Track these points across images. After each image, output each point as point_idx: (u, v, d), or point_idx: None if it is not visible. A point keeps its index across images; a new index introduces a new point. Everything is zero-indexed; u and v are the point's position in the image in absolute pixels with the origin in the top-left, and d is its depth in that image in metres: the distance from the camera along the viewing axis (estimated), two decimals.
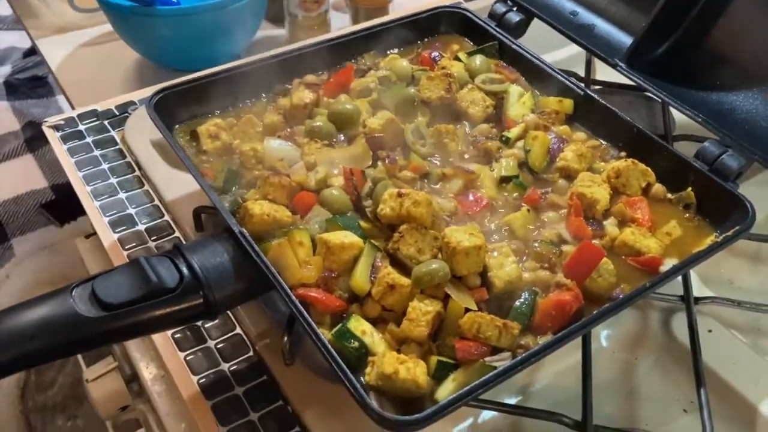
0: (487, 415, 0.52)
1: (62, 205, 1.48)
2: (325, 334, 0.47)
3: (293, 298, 0.46)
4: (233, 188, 0.57)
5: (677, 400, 0.54)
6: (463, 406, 0.44)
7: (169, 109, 0.62)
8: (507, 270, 0.50)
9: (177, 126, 0.63)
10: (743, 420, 0.52)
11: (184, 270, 0.48)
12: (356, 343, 0.47)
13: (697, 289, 0.59)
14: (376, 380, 0.45)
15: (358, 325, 0.48)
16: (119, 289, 0.46)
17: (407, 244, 0.51)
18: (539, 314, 0.49)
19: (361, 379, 0.46)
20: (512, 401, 0.52)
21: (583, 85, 0.66)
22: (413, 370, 0.44)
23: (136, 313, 0.46)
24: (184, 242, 0.60)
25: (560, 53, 0.83)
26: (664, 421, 0.51)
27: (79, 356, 0.83)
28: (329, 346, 0.43)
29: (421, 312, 0.47)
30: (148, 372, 0.61)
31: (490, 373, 0.43)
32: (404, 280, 0.49)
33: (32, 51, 1.95)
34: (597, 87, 0.77)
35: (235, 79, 0.64)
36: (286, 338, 0.52)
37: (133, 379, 0.74)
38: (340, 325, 0.47)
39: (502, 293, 0.50)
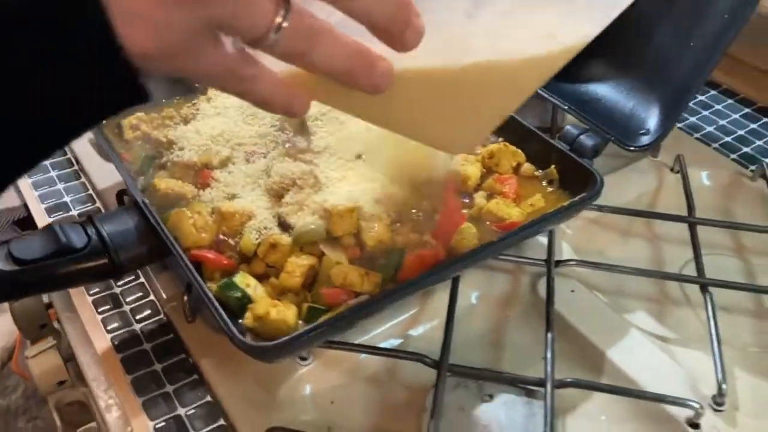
0: (368, 360, 0.58)
1: (32, 221, 1.56)
2: (212, 288, 0.54)
3: (181, 253, 0.53)
4: (149, 170, 0.64)
5: (539, 350, 0.61)
6: (324, 341, 0.51)
7: None
8: (378, 231, 0.57)
9: (104, 122, 0.70)
10: (592, 365, 0.58)
11: (93, 234, 0.55)
12: (239, 294, 0.53)
13: (568, 257, 0.66)
14: (252, 322, 0.51)
15: (244, 279, 0.54)
16: (32, 248, 0.53)
17: (293, 210, 0.58)
18: (404, 269, 0.56)
19: (240, 322, 0.52)
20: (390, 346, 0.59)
21: None
22: (284, 312, 0.51)
23: (46, 269, 0.53)
24: None
25: None
26: (522, 367, 0.57)
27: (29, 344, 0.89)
28: (206, 288, 0.50)
29: (297, 265, 0.54)
30: (78, 343, 0.68)
31: (344, 310, 0.50)
32: (284, 239, 0.56)
33: None
34: None
35: (160, 79, 0.72)
36: (186, 297, 0.59)
37: (71, 358, 0.80)
38: (225, 279, 0.54)
39: (373, 252, 0.57)
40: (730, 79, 0.94)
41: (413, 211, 0.61)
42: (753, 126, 0.87)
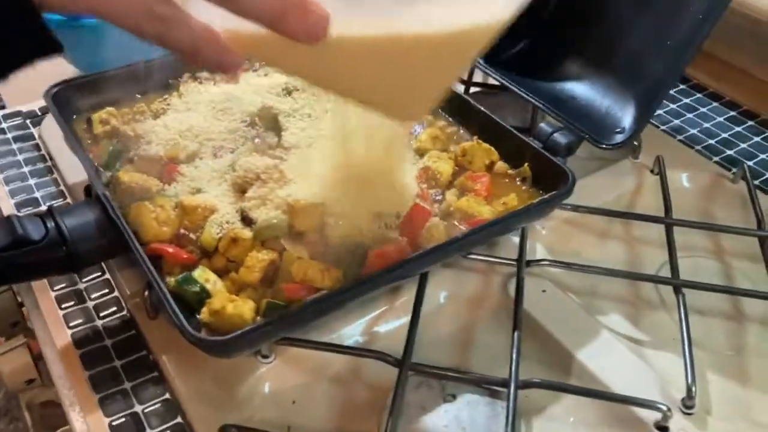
0: (332, 359, 0.56)
1: None
2: (171, 282, 0.53)
3: (137, 245, 0.52)
4: (116, 164, 0.63)
5: (508, 351, 0.59)
6: (281, 338, 0.50)
7: (71, 102, 0.69)
8: (342, 227, 0.56)
9: (75, 116, 0.69)
10: (561, 366, 0.57)
11: (51, 226, 0.54)
12: (197, 288, 0.52)
13: (541, 257, 0.65)
14: (209, 317, 0.50)
15: (203, 274, 0.53)
16: None
17: (256, 204, 0.57)
18: (368, 265, 0.54)
19: (198, 317, 0.51)
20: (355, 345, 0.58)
21: None
22: (241, 307, 0.50)
23: (1, 261, 0.52)
24: None
25: None
26: (490, 368, 0.55)
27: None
28: (159, 280, 0.49)
29: (257, 260, 0.53)
30: (45, 340, 0.67)
31: (300, 305, 0.49)
32: (246, 234, 0.55)
33: None
34: (477, 89, 0.84)
35: (131, 74, 0.71)
36: (147, 293, 0.58)
37: (42, 356, 0.79)
38: (184, 273, 0.53)
39: (337, 248, 0.56)
40: (715, 82, 0.93)
41: (380, 206, 0.60)
42: (738, 129, 0.86)
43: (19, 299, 0.82)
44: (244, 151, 0.63)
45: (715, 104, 0.90)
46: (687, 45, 0.59)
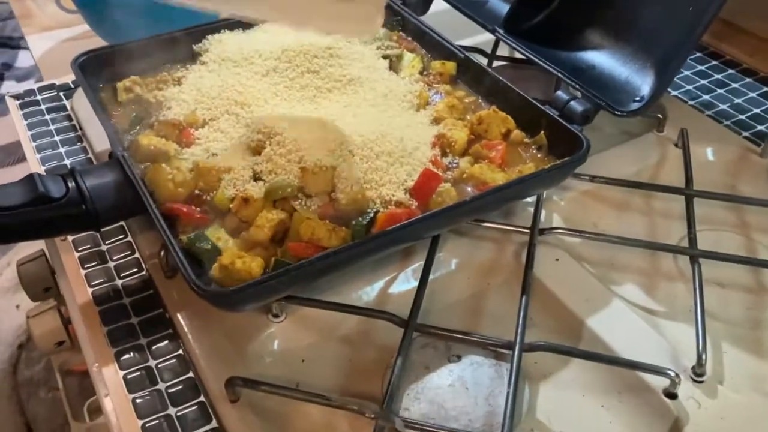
0: (341, 320, 0.57)
1: None
2: (183, 239, 0.54)
3: (151, 203, 0.54)
4: (136, 129, 0.65)
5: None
6: (286, 293, 0.51)
7: (98, 71, 0.71)
8: (353, 189, 0.56)
9: (102, 85, 0.71)
10: (571, 333, 0.57)
11: (72, 185, 0.56)
12: (209, 246, 0.53)
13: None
14: (218, 273, 0.51)
15: (216, 233, 0.55)
16: (10, 196, 0.54)
17: (269, 166, 0.58)
18: (377, 227, 0.55)
19: (210, 274, 0.52)
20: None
21: (462, 49, 0.72)
22: (249, 263, 0.51)
23: (23, 216, 0.54)
24: None
25: (480, 38, 0.89)
26: (500, 334, 0.55)
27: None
28: (169, 234, 0.51)
29: (267, 219, 0.54)
30: (71, 302, 0.69)
31: (305, 261, 0.49)
32: (257, 194, 0.56)
33: None
34: (501, 62, 0.83)
35: (156, 44, 0.73)
36: (163, 252, 0.59)
37: (71, 321, 0.82)
38: (197, 231, 0.54)
39: (347, 210, 0.56)
40: (750, 57, 0.90)
41: (390, 167, 0.60)
42: None
43: (52, 265, 0.85)
44: (261, 103, 0.64)
45: (748, 80, 0.88)
46: (706, 8, 0.58)
